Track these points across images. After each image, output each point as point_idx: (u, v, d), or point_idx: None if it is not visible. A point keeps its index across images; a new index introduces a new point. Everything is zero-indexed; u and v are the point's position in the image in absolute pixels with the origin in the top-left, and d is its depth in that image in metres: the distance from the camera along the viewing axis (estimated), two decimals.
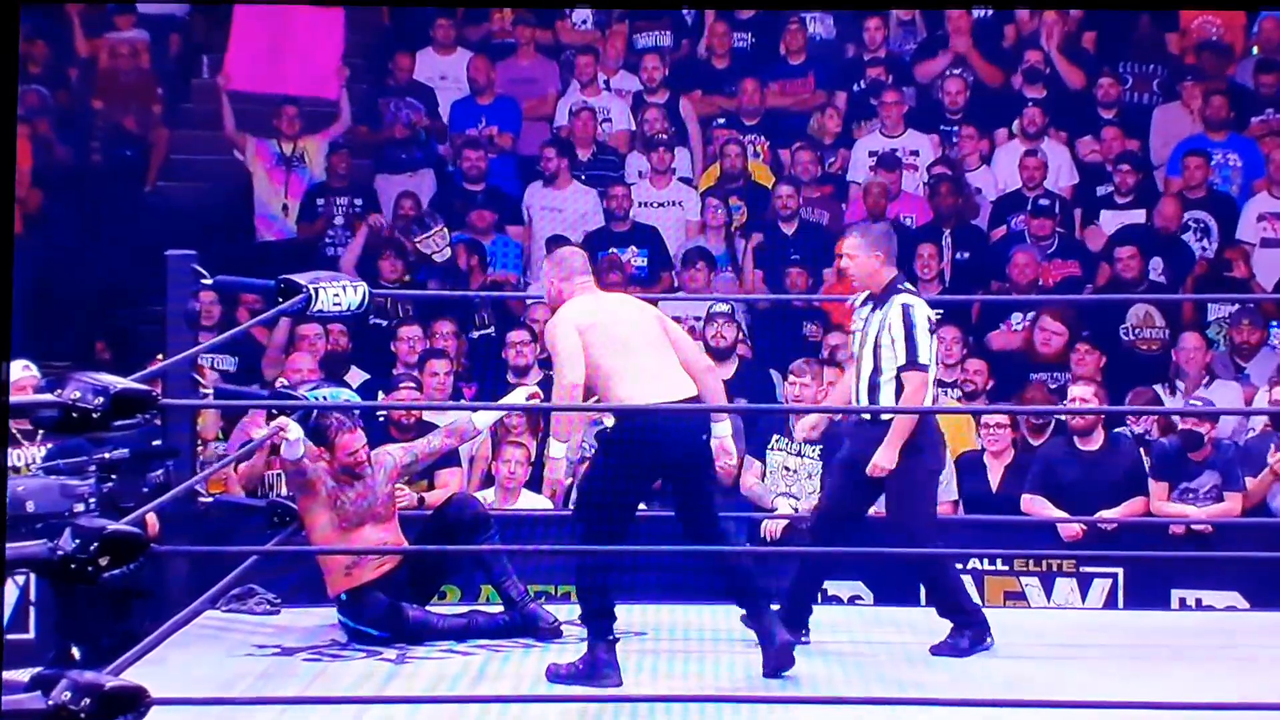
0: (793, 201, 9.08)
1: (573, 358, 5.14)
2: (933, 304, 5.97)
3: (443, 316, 8.33)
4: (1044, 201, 8.99)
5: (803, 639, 5.61)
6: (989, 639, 5.69)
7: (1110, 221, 9.14)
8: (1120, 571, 7.04)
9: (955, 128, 9.64)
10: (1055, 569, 7.12)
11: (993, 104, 9.81)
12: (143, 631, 5.44)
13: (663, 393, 5.18)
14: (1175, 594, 7.08)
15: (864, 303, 5.67)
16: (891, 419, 5.50)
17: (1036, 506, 7.17)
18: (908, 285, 5.77)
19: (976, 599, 6.37)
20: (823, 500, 6.22)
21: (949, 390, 7.85)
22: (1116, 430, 7.59)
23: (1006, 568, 7.12)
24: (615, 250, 8.96)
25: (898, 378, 5.50)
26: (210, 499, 6.45)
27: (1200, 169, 9.11)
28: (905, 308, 5.52)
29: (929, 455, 5.66)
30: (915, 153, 9.52)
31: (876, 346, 5.52)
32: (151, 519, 5.65)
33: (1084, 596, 7.08)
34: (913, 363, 5.48)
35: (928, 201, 9.32)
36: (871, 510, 5.76)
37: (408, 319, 8.40)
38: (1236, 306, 8.40)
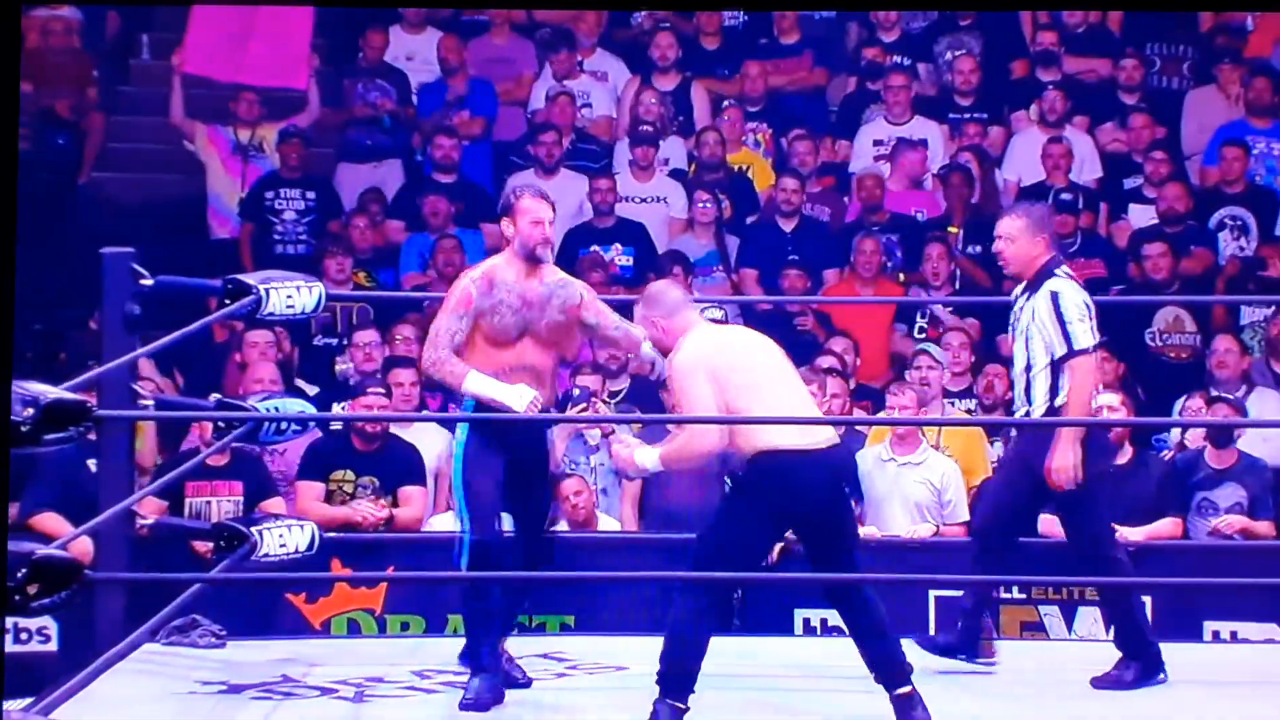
0: (796, 196, 8.54)
1: (709, 412, 4.65)
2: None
3: (402, 320, 7.75)
4: (1067, 196, 8.46)
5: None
6: (1162, 674, 5.34)
7: (1139, 216, 8.60)
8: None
9: (966, 115, 9.12)
10: (1077, 597, 6.65)
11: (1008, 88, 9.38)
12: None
13: (808, 440, 4.69)
14: (1208, 625, 6.64)
15: (1022, 292, 5.36)
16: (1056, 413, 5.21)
17: (1057, 528, 6.41)
18: (1063, 270, 5.39)
19: None
20: (984, 508, 5.81)
21: (957, 402, 7.56)
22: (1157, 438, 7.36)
23: (1024, 596, 6.70)
24: (598, 248, 8.41)
25: (1054, 367, 5.20)
26: (150, 521, 6.03)
27: (1240, 160, 8.57)
28: (1054, 295, 5.20)
29: (1096, 454, 5.30)
30: (924, 141, 8.96)
31: (1027, 337, 5.26)
32: (85, 542, 5.31)
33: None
34: (1071, 351, 5.16)
35: (940, 194, 8.82)
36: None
37: (363, 324, 7.85)
38: (1272, 309, 7.97)
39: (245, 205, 8.86)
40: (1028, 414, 5.31)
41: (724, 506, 4.97)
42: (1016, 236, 5.29)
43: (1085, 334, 5.19)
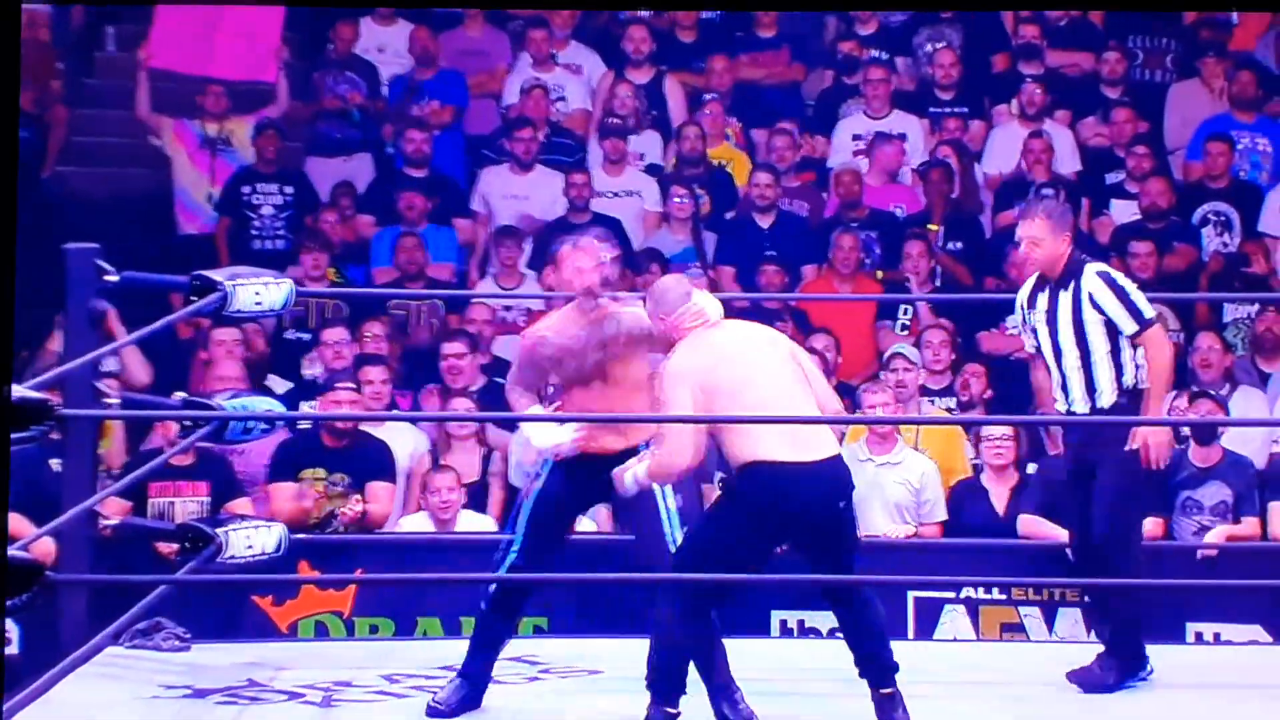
0: (771, 191, 8.43)
1: (687, 434, 4.61)
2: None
3: (372, 317, 7.66)
4: (1048, 191, 8.32)
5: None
6: (1143, 673, 5.36)
7: (1121, 211, 8.50)
8: None
9: (946, 109, 9.02)
10: (1059, 598, 6.58)
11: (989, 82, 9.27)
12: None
13: (801, 454, 4.63)
14: (1190, 627, 6.57)
15: (1037, 290, 5.33)
16: (1114, 404, 5.18)
17: (1036, 528, 6.62)
18: (1086, 256, 5.41)
19: None
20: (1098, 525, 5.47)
21: (936, 400, 7.49)
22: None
23: (1004, 597, 6.63)
24: None
25: (1114, 351, 5.17)
26: (114, 522, 5.96)
27: (1224, 155, 8.48)
28: (1104, 275, 5.24)
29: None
30: (903, 136, 8.88)
31: (1080, 326, 5.16)
32: (47, 543, 5.23)
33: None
34: (1144, 323, 5.16)
35: (920, 190, 8.71)
36: None
37: (333, 321, 7.73)
38: (1257, 306, 7.87)
39: (222, 200, 8.74)
40: (1092, 407, 5.22)
41: (712, 511, 4.91)
42: (1042, 238, 5.23)
43: (1146, 304, 5.19)
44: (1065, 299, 5.19)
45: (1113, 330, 5.15)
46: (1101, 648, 5.41)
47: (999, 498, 6.80)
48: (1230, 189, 8.50)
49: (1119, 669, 5.25)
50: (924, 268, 8.11)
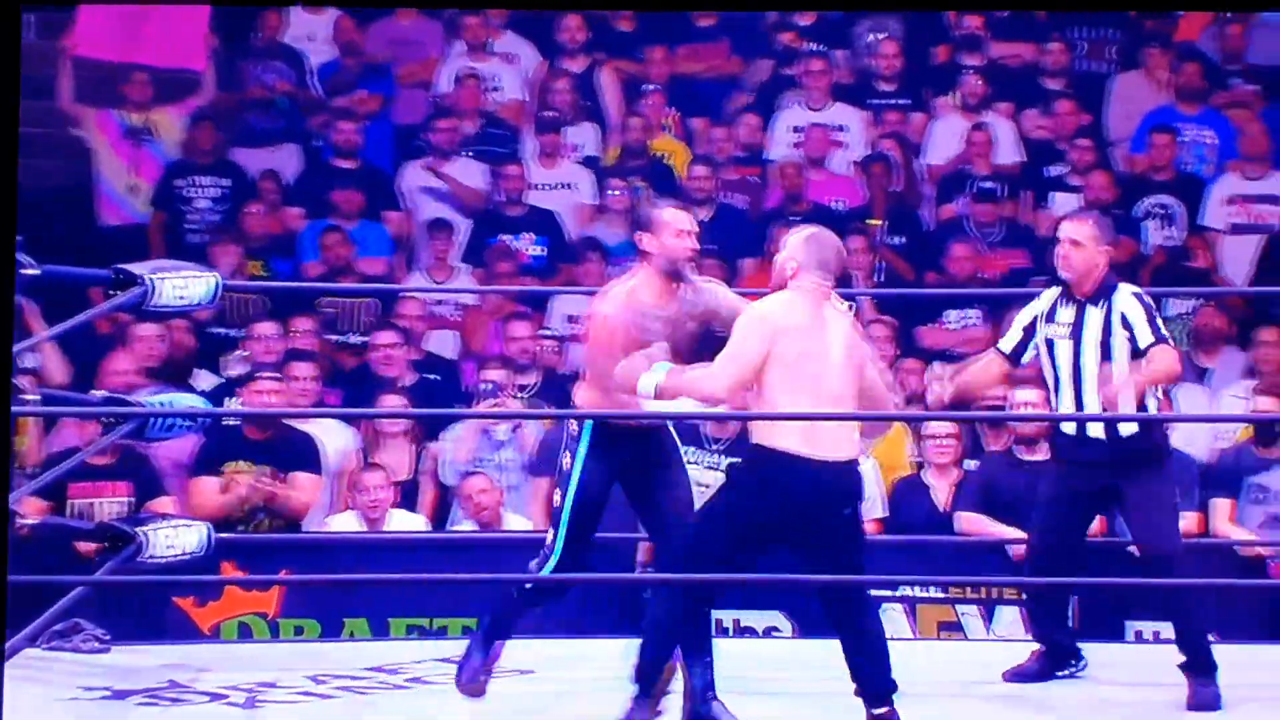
0: (708, 184, 8.36)
1: (745, 366, 4.48)
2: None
3: (301, 312, 7.52)
4: (989, 184, 8.28)
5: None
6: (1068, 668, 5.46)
7: (1063, 205, 8.42)
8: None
9: (888, 100, 8.95)
10: (997, 596, 6.54)
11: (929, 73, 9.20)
12: None
13: (816, 450, 4.54)
14: (1130, 625, 6.55)
15: (1059, 303, 5.19)
16: (1133, 433, 5.10)
17: (976, 525, 6.55)
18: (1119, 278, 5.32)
19: None
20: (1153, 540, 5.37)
21: None
22: None
23: (942, 595, 6.56)
24: (508, 237, 8.18)
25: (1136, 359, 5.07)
26: (31, 522, 5.75)
27: (1168, 147, 8.45)
28: (1139, 295, 5.15)
29: (1173, 461, 5.37)
30: (842, 128, 8.79)
31: (1106, 348, 5.07)
32: None
33: (1027, 628, 6.25)
34: (1160, 339, 5.07)
35: (860, 183, 8.65)
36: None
37: (256, 316, 7.57)
38: (1199, 301, 7.87)
39: (156, 193, 8.56)
40: (1111, 435, 5.12)
41: (715, 497, 4.77)
42: (1085, 242, 5.12)
43: (1164, 329, 5.14)
44: (1094, 316, 5.08)
45: (1134, 352, 5.04)
46: (1038, 646, 5.40)
47: (941, 494, 6.74)
48: (1174, 182, 8.47)
49: (1209, 675, 5.16)
50: (865, 262, 8.02)
